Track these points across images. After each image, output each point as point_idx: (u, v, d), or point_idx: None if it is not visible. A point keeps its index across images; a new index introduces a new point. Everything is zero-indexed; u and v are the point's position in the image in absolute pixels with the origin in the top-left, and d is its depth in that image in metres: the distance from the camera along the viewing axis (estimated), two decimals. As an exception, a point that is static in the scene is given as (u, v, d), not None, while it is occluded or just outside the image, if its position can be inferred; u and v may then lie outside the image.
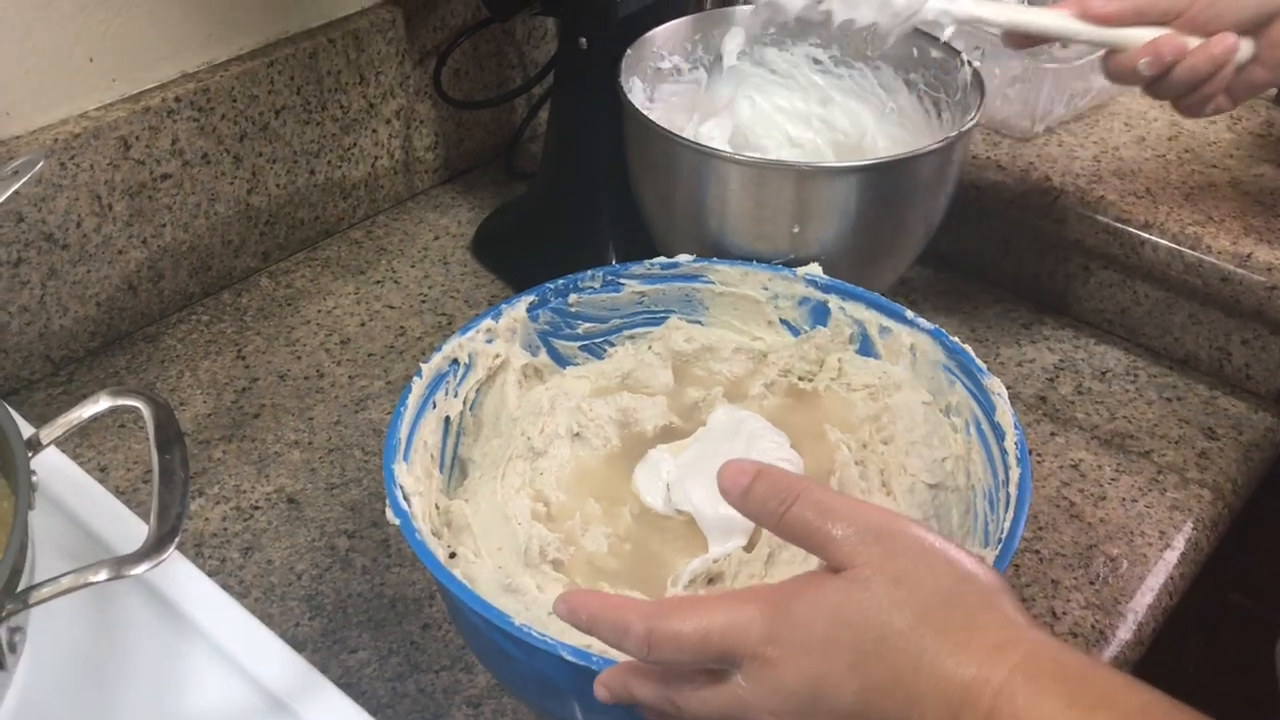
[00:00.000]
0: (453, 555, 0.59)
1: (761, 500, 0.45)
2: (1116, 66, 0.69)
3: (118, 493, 0.74)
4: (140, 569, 0.44)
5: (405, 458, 0.59)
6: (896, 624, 0.40)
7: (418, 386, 0.62)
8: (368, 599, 0.68)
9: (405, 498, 0.56)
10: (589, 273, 0.70)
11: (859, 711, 0.41)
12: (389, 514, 0.55)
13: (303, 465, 0.77)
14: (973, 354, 0.64)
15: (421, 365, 0.63)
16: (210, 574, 0.69)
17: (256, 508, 0.74)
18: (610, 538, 0.61)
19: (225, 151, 0.88)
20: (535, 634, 0.49)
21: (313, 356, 0.86)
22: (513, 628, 0.50)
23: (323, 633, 0.66)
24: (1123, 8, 0.67)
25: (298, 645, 0.65)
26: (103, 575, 0.43)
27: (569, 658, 0.49)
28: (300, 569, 0.70)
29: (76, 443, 0.78)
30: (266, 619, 0.67)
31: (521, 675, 0.55)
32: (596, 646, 0.54)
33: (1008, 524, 0.55)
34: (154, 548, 0.44)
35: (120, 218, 0.83)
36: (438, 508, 0.61)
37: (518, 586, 0.57)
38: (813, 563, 0.57)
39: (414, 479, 0.58)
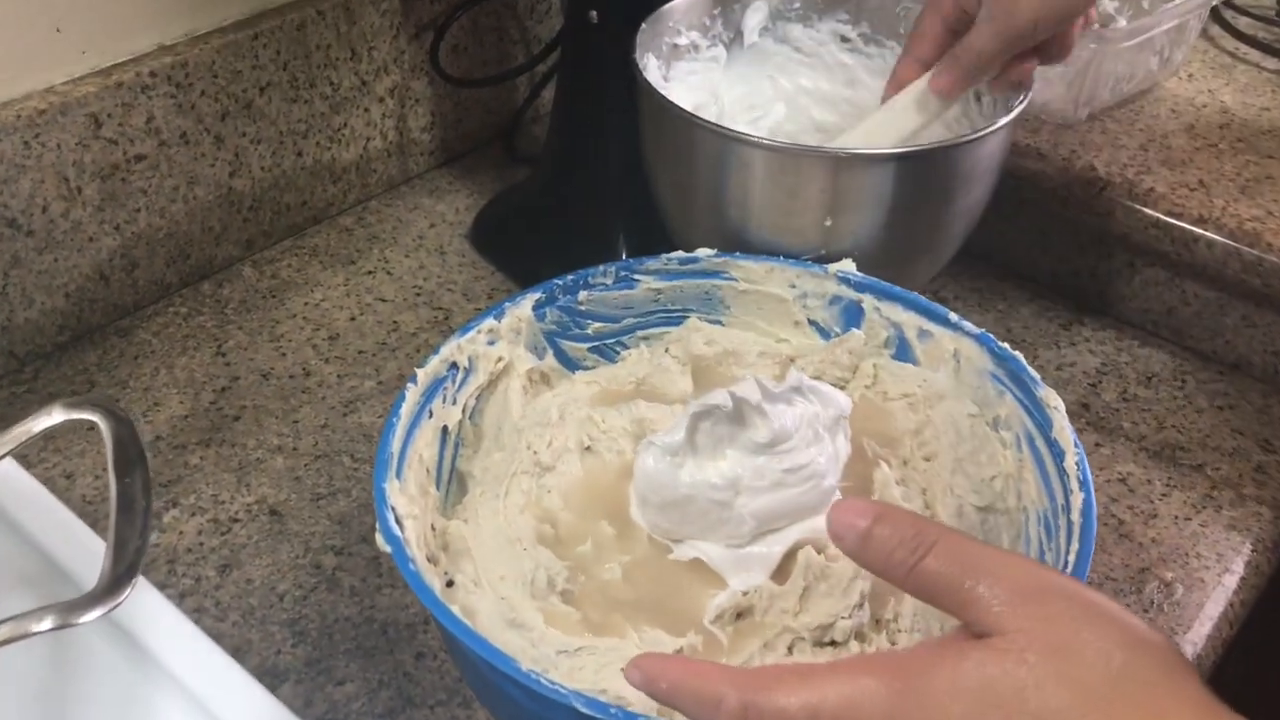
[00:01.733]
0: (450, 584, 0.53)
1: (887, 549, 0.38)
2: None
3: (84, 503, 0.68)
4: (91, 615, 0.38)
5: (398, 474, 0.53)
6: (1055, 705, 0.33)
7: (412, 394, 0.56)
8: (356, 624, 0.62)
9: (398, 520, 0.50)
10: (600, 268, 0.64)
11: None
12: (379, 540, 0.49)
13: (286, 473, 0.71)
14: (1024, 362, 0.58)
15: (417, 370, 0.56)
16: (184, 594, 0.63)
17: (236, 520, 0.68)
18: (625, 565, 0.54)
19: (205, 131, 0.81)
20: (545, 682, 0.43)
21: (298, 353, 0.80)
22: (519, 674, 0.44)
23: (306, 662, 0.60)
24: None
25: (279, 676, 0.59)
26: (46, 624, 0.37)
27: (582, 709, 0.43)
28: (282, 589, 0.64)
29: (40, 446, 0.72)
30: (245, 645, 0.61)
31: None
32: (611, 693, 0.48)
33: (1073, 557, 0.49)
34: (108, 590, 0.38)
35: (90, 202, 0.77)
36: (434, 529, 0.55)
37: (523, 621, 0.51)
38: (849, 595, 0.51)
39: (407, 498, 0.52)
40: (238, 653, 0.60)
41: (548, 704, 0.43)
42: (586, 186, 0.84)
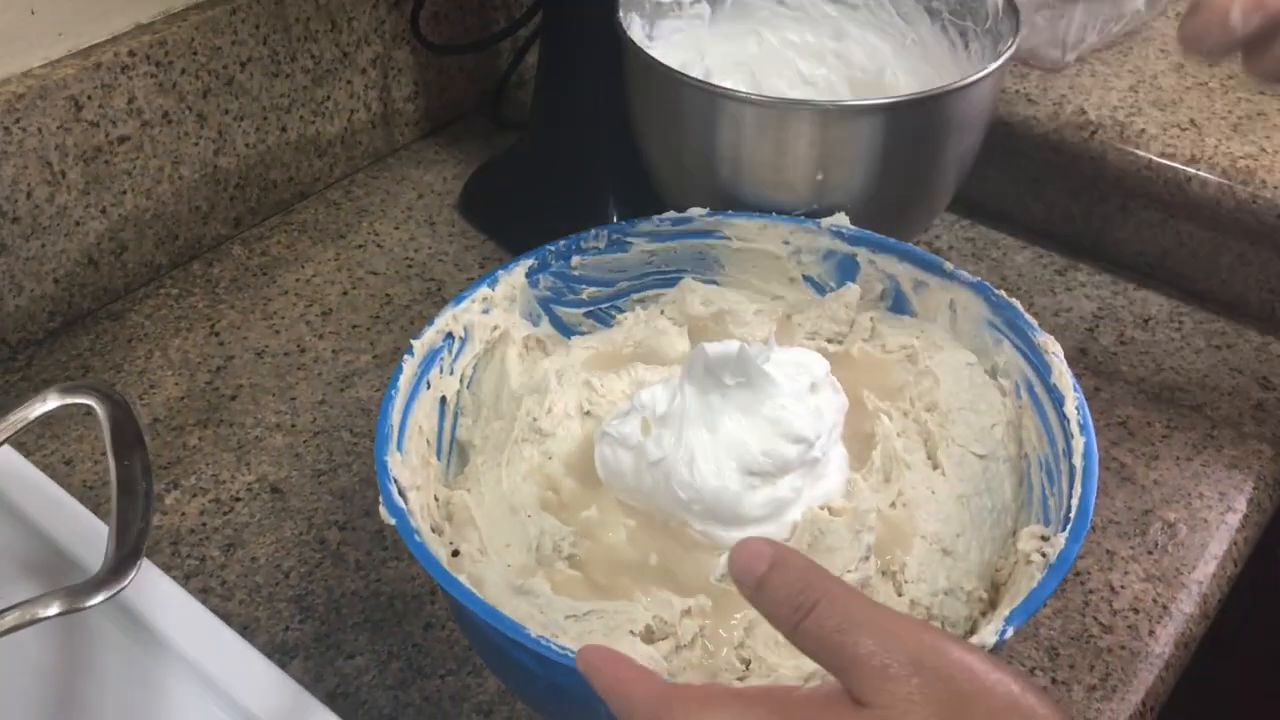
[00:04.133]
0: (455, 554, 0.53)
1: (776, 600, 0.37)
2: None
3: (85, 488, 0.68)
4: (97, 599, 0.37)
5: (399, 447, 0.52)
6: None
7: (409, 365, 0.55)
8: (363, 598, 0.62)
9: (401, 493, 0.50)
10: (593, 231, 0.63)
11: None
12: (383, 513, 0.49)
13: (286, 450, 0.71)
14: (1021, 309, 0.58)
15: (413, 341, 0.56)
16: (189, 575, 0.63)
17: (237, 499, 0.68)
18: (630, 529, 0.54)
19: (188, 109, 0.80)
20: (555, 647, 0.43)
21: (292, 330, 0.79)
22: (529, 640, 0.44)
23: (315, 637, 0.60)
24: None
25: (288, 652, 0.59)
26: (54, 609, 0.37)
27: None
28: (288, 566, 0.64)
29: (38, 433, 0.71)
30: (253, 624, 0.61)
31: (538, 687, 0.49)
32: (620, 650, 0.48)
33: (1075, 501, 0.49)
34: (113, 573, 0.38)
35: (75, 186, 0.76)
36: (437, 499, 0.55)
37: (530, 588, 0.51)
38: (855, 547, 0.51)
39: (410, 471, 0.52)
40: (246, 631, 0.60)
41: (558, 669, 0.43)
42: (574, 150, 0.83)
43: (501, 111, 0.98)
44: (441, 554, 0.50)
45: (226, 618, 0.61)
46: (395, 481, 0.50)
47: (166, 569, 0.63)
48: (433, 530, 0.52)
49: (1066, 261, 0.84)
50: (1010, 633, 0.44)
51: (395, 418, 0.53)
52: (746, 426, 0.52)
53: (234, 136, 0.84)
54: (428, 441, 0.56)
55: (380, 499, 0.49)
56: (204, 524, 0.66)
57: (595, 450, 0.55)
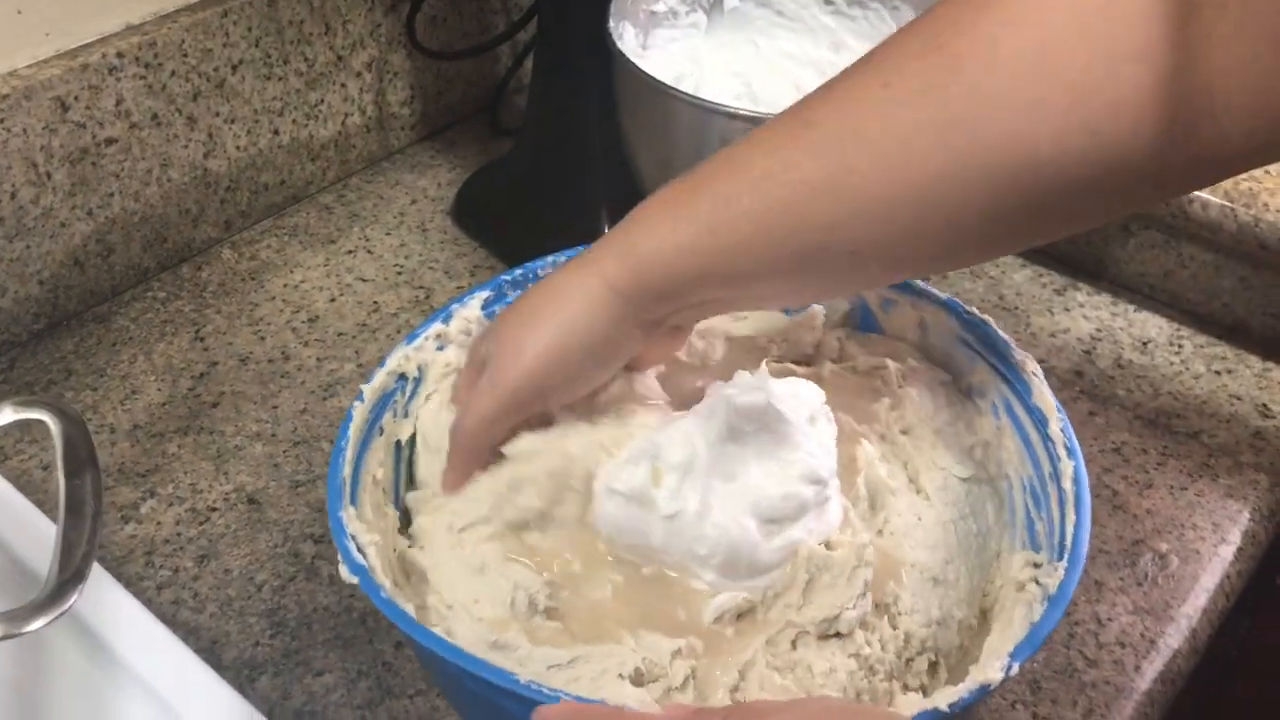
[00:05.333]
0: (421, 608, 0.50)
1: None
2: None
3: (60, 494, 0.67)
4: (36, 624, 0.36)
5: (353, 500, 0.50)
6: None
7: (359, 413, 0.52)
8: (335, 613, 0.62)
9: (360, 549, 0.48)
10: (549, 258, 0.61)
11: None
12: (344, 572, 0.46)
13: (265, 460, 0.70)
14: (994, 325, 0.56)
15: (363, 387, 0.54)
16: (161, 586, 0.63)
17: (214, 509, 0.67)
18: (618, 584, 0.51)
19: (177, 112, 0.79)
20: (548, 691, 0.41)
21: (278, 337, 0.78)
22: (519, 686, 0.41)
23: (284, 653, 0.60)
24: None
25: (257, 668, 0.59)
26: (-11, 634, 0.36)
27: None
28: (261, 579, 0.63)
29: (17, 438, 0.71)
30: (223, 638, 0.60)
31: None
32: (608, 694, 0.46)
33: (1071, 528, 0.48)
34: (53, 597, 0.37)
35: (61, 187, 0.75)
36: (395, 551, 0.53)
37: (506, 642, 0.48)
38: (853, 584, 0.50)
39: (365, 524, 0.50)
40: (216, 645, 0.60)
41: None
42: (567, 159, 0.82)
43: (499, 117, 0.98)
44: (409, 607, 0.47)
45: (197, 631, 0.60)
46: (353, 538, 0.48)
47: (139, 579, 0.63)
48: (395, 585, 0.50)
49: (1066, 281, 0.83)
50: (1016, 669, 0.42)
51: (347, 471, 0.50)
52: (764, 472, 0.49)
53: (224, 139, 0.83)
54: (383, 491, 0.54)
55: (339, 559, 0.47)
56: (179, 534, 0.66)
57: (594, 505, 0.52)
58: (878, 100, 0.44)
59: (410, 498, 0.55)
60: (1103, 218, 0.48)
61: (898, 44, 0.45)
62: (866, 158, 0.44)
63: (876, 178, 0.44)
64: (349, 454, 0.51)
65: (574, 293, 0.50)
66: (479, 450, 0.53)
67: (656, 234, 0.48)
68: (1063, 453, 0.51)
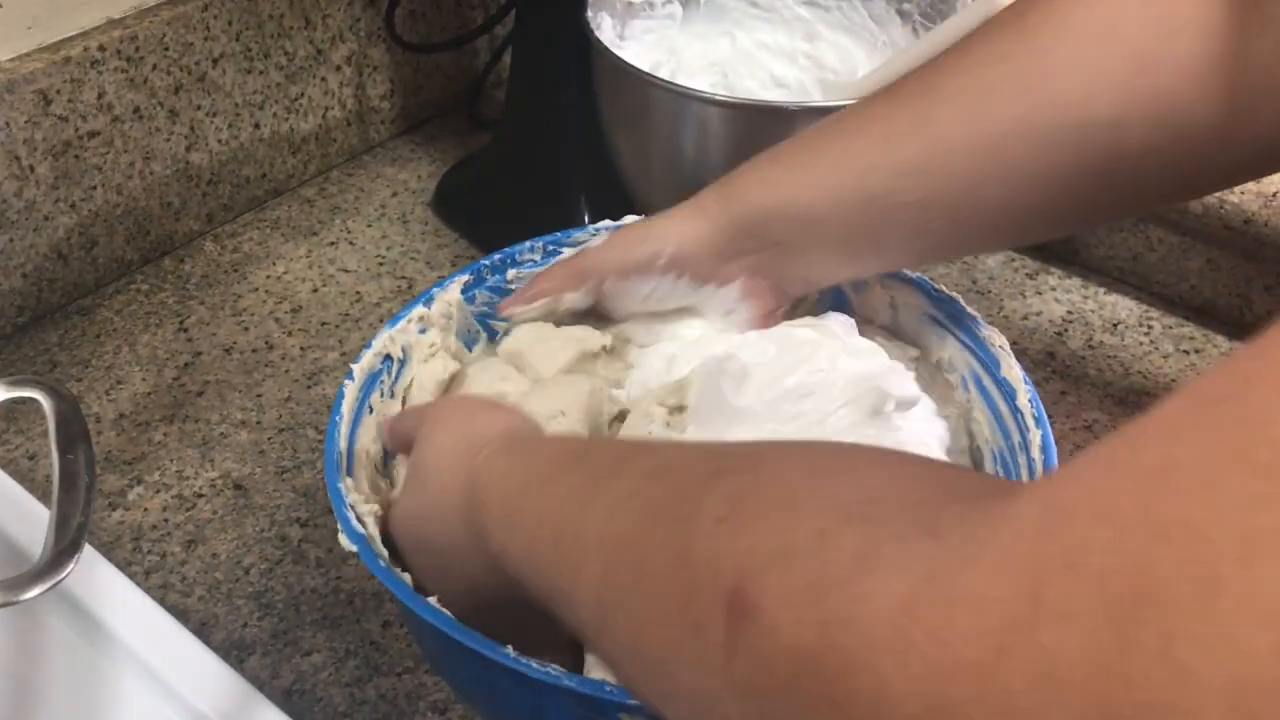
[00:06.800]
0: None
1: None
2: None
3: (47, 482, 0.67)
4: (34, 592, 0.37)
5: (349, 472, 0.51)
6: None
7: (350, 390, 0.54)
8: (322, 595, 0.62)
9: (359, 519, 0.49)
10: (528, 244, 0.62)
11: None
12: (343, 540, 0.47)
13: (250, 447, 0.71)
14: (963, 302, 0.58)
15: (352, 366, 0.55)
16: (149, 571, 0.63)
17: (200, 495, 0.68)
18: None
19: (159, 105, 0.80)
20: (536, 665, 0.42)
21: (261, 327, 0.79)
22: (513, 662, 0.42)
23: (273, 634, 0.60)
24: None
25: (246, 648, 0.59)
26: (-13, 602, 0.37)
27: (578, 689, 0.42)
28: (248, 563, 0.64)
29: (3, 428, 0.71)
30: (212, 620, 0.61)
31: (516, 709, 0.48)
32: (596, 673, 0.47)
33: None
34: (50, 566, 0.38)
35: (44, 180, 0.76)
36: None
37: None
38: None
39: (362, 496, 0.51)
40: (204, 627, 0.60)
41: (543, 690, 0.42)
42: (547, 150, 0.83)
43: (479, 110, 0.98)
44: (406, 577, 0.48)
45: (185, 614, 0.61)
46: (352, 508, 0.49)
47: (127, 564, 0.63)
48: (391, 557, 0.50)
49: (1037, 265, 0.84)
50: None
51: (342, 443, 0.51)
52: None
53: (206, 132, 0.84)
54: (375, 466, 0.55)
55: (339, 528, 0.48)
56: (166, 520, 0.66)
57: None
58: (957, 65, 0.50)
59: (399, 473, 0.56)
60: (1164, 196, 0.51)
61: (983, 26, 0.50)
62: (945, 110, 0.49)
63: (951, 127, 0.48)
64: (343, 428, 0.52)
65: (678, 211, 0.57)
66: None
67: (751, 176, 0.55)
68: (1031, 423, 0.52)
